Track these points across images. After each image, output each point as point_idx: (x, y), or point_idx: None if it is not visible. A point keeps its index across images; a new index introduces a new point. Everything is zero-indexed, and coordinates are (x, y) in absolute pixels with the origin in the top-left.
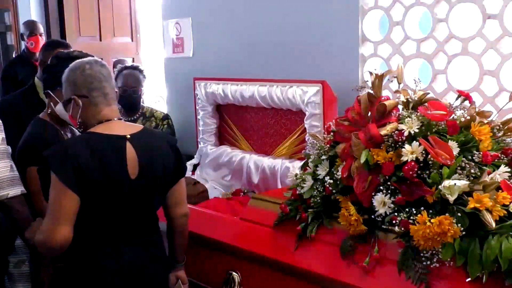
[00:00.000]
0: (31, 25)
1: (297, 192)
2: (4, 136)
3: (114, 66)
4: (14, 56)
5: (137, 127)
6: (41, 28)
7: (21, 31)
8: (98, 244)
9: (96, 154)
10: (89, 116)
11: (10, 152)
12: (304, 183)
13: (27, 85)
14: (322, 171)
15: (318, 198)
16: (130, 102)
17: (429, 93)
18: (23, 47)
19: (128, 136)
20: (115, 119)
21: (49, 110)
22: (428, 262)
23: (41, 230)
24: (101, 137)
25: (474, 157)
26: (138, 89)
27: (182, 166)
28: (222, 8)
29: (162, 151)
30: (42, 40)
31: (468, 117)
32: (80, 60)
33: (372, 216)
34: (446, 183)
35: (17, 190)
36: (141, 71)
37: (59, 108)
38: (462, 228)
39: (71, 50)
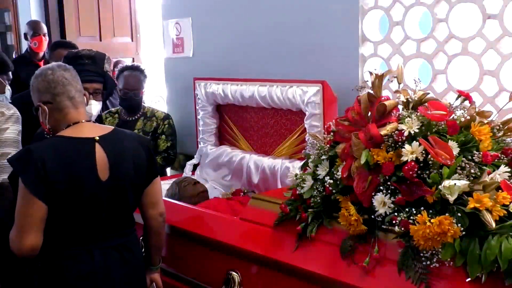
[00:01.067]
0: (34, 25)
1: (297, 192)
2: (20, 129)
3: (115, 66)
4: (14, 56)
5: (107, 128)
6: (45, 28)
7: (25, 31)
8: (69, 247)
9: (63, 157)
10: (57, 121)
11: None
12: (304, 183)
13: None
14: (322, 171)
15: (318, 198)
16: (131, 104)
17: (429, 93)
18: (25, 46)
19: (97, 138)
20: (83, 121)
21: None
22: (428, 262)
23: (10, 238)
24: (68, 140)
25: (474, 157)
26: (139, 91)
27: (154, 166)
28: (222, 8)
29: (133, 151)
30: (46, 40)
31: (468, 117)
32: (44, 66)
33: (372, 216)
34: (446, 183)
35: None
36: (142, 72)
37: None
38: (462, 228)
39: (80, 49)
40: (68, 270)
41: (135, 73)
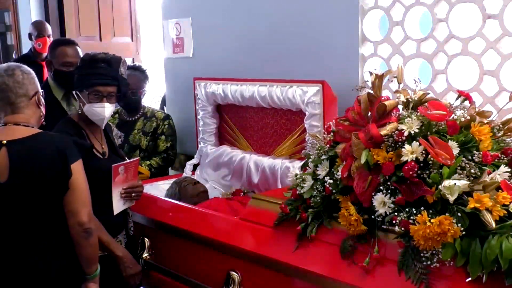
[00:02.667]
0: (40, 26)
1: (297, 192)
2: None
3: None
4: (14, 56)
5: (30, 131)
6: (50, 30)
7: (29, 31)
8: None
9: None
10: None
11: None
12: (304, 183)
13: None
14: (322, 171)
15: (318, 198)
16: (129, 104)
17: (429, 93)
18: (25, 46)
19: (5, 142)
20: (11, 124)
21: (80, 111)
22: (428, 262)
23: None
24: None
25: (474, 157)
26: (137, 91)
27: (67, 175)
28: (222, 8)
29: (44, 155)
30: (50, 41)
31: (468, 117)
32: None
33: (372, 216)
34: (446, 183)
35: None
36: (142, 72)
37: (87, 109)
38: (462, 228)
39: (97, 52)
40: None
41: (135, 73)
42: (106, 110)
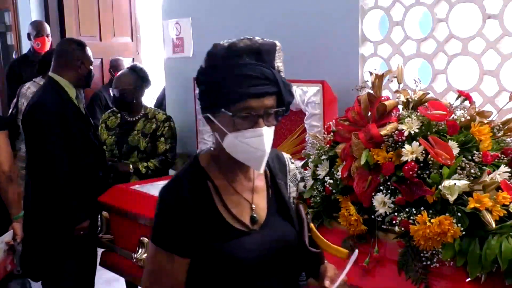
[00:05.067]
0: (38, 26)
1: None
2: None
3: (111, 66)
4: (14, 56)
5: None
6: (48, 29)
7: (28, 31)
8: None
9: None
10: None
11: None
12: None
13: (46, 83)
14: (322, 171)
15: (318, 198)
16: (118, 104)
17: (429, 93)
18: (25, 46)
19: None
20: None
21: (213, 147)
22: (428, 262)
23: None
24: None
25: (474, 157)
26: (127, 90)
27: None
28: (222, 8)
29: None
30: (48, 41)
31: (468, 117)
32: None
33: (372, 216)
34: (446, 183)
35: None
36: (136, 71)
37: (231, 142)
38: (462, 228)
39: (235, 40)
40: None
41: (129, 72)
42: (266, 139)
